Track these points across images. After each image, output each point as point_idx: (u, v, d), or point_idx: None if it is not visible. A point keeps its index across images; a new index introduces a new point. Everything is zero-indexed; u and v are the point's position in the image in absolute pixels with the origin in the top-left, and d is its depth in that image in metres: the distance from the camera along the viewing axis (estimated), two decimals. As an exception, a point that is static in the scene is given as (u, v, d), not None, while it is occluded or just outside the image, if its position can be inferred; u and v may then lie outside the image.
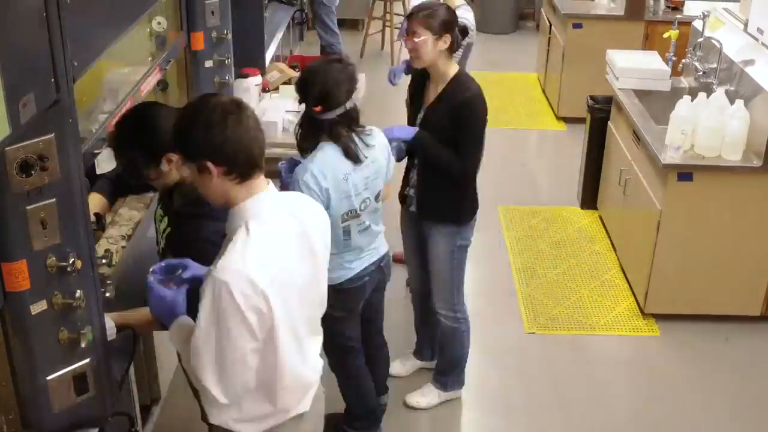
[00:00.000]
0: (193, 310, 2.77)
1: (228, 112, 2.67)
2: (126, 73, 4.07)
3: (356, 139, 3.89)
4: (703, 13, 6.30)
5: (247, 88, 5.79)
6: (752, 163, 5.25)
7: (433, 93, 4.53)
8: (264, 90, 5.84)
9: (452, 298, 4.80)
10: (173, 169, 3.34)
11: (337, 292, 3.85)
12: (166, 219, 3.50)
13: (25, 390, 2.82)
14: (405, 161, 4.73)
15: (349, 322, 4.35)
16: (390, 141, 4.27)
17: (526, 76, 10.10)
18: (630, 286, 6.02)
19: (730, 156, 5.28)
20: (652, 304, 5.71)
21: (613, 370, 5.41)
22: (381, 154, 4.08)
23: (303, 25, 9.53)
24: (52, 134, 2.58)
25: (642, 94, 6.20)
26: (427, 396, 5.06)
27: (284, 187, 3.93)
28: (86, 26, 2.78)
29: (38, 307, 2.71)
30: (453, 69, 4.56)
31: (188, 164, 2.79)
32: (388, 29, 10.84)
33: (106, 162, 3.87)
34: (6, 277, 2.63)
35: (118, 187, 4.13)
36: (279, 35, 7.27)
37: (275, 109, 5.82)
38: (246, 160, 2.71)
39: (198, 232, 3.27)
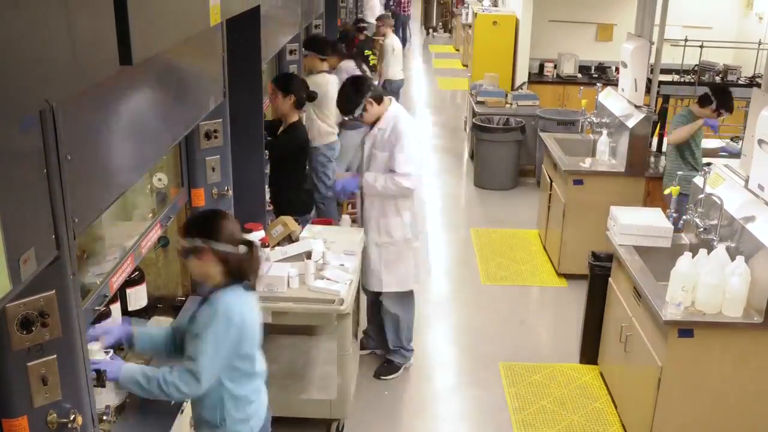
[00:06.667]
0: None
1: None
2: (127, 228, 4.12)
3: None
4: (704, 169, 6.38)
5: (251, 243, 5.83)
6: (753, 319, 5.25)
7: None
8: (263, 245, 5.88)
9: None
10: None
11: None
12: None
13: None
14: None
15: None
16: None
17: (526, 233, 10.17)
18: (632, 443, 5.94)
19: (731, 312, 5.28)
20: (654, 461, 5.62)
21: None
22: None
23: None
24: (53, 290, 2.60)
25: (643, 251, 6.24)
26: None
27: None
28: (87, 183, 2.82)
29: (40, 463, 2.68)
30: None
31: None
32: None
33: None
34: (7, 433, 2.61)
35: None
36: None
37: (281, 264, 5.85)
38: None
39: None
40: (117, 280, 3.73)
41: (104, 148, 3.03)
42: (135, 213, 4.37)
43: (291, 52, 8.49)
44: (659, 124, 9.17)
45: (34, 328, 2.57)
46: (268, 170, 6.50)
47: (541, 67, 13.91)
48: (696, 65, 11.66)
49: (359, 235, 6.46)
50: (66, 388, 2.73)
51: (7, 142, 2.24)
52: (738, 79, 12.26)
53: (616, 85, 9.41)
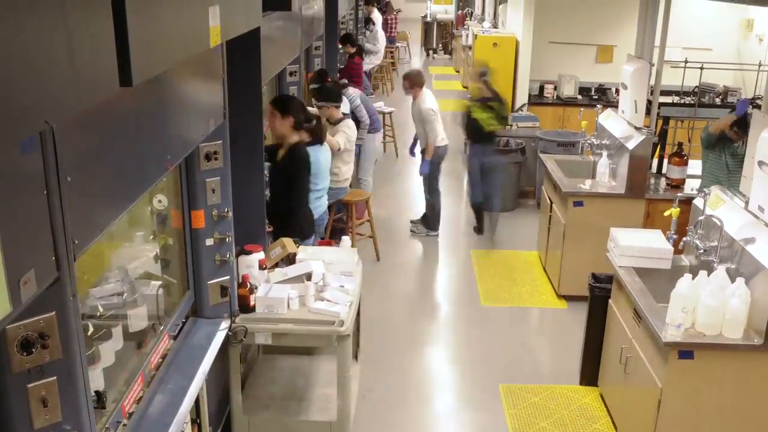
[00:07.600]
0: None
1: None
2: (128, 249, 4.11)
3: None
4: (704, 191, 6.38)
5: (251, 265, 5.83)
6: (753, 341, 5.24)
7: None
8: (260, 267, 5.88)
9: None
10: None
11: None
12: None
13: None
14: None
15: None
16: None
17: (526, 254, 10.16)
18: (633, 465, 5.92)
19: (731, 334, 5.27)
20: (655, 483, 5.60)
21: None
22: None
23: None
24: (53, 312, 2.59)
25: (643, 272, 6.22)
26: None
27: None
28: (87, 205, 2.82)
29: (40, 485, 2.68)
30: None
31: None
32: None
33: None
34: (7, 455, 2.61)
35: None
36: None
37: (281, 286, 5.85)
38: None
39: None
40: (129, 404, 3.76)
41: (104, 169, 3.03)
42: (135, 234, 4.36)
43: (291, 73, 8.50)
44: (659, 145, 9.17)
45: (34, 350, 2.56)
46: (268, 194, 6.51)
47: (542, 88, 13.93)
48: (696, 87, 11.68)
49: (355, 256, 6.45)
50: (66, 409, 2.72)
51: (8, 163, 2.24)
52: (738, 101, 12.27)
53: (617, 106, 9.42)
